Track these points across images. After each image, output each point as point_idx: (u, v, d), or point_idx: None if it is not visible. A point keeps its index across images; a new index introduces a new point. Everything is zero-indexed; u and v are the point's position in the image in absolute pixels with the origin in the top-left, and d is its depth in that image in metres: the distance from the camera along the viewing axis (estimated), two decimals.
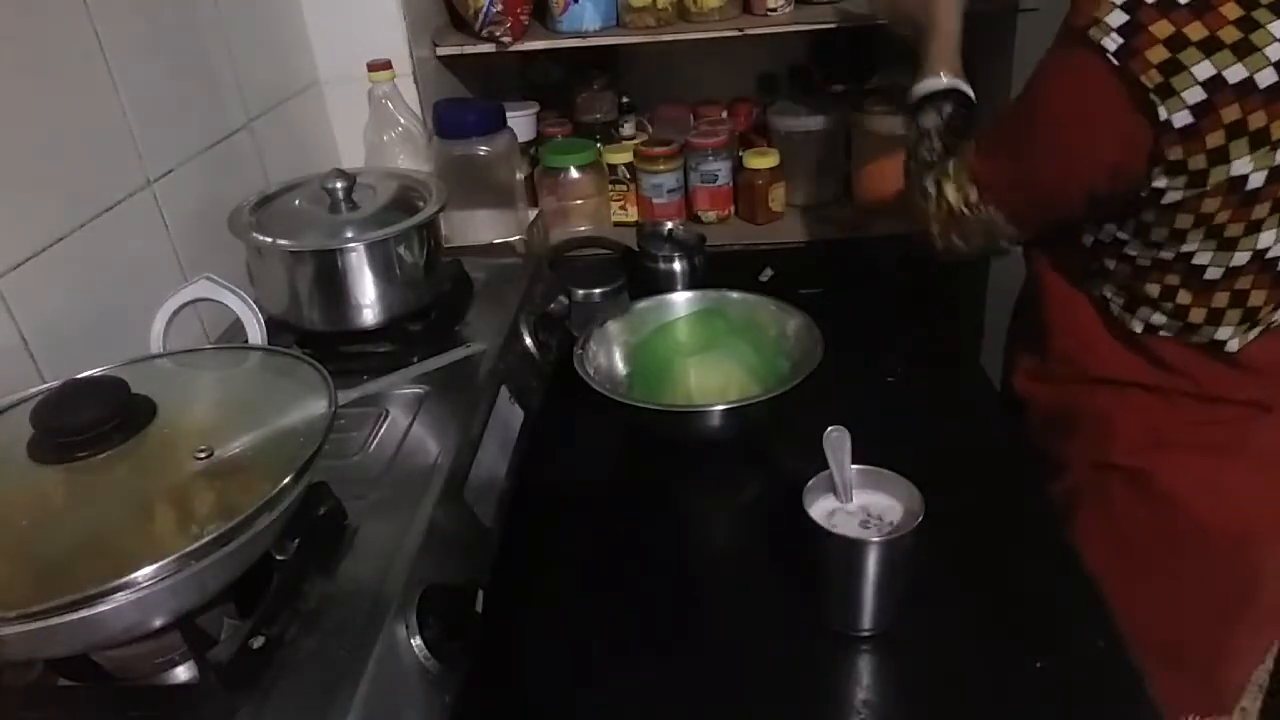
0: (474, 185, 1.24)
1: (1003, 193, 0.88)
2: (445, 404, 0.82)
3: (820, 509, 0.73)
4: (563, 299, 1.05)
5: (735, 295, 1.06)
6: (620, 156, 1.47)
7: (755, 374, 0.99)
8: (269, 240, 0.87)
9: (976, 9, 1.34)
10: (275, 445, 0.59)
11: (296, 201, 0.93)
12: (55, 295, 0.78)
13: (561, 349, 1.01)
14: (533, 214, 1.35)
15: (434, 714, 0.61)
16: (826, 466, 0.73)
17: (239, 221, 0.89)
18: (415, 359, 0.87)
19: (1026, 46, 1.33)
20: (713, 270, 1.20)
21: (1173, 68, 0.73)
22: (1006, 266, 1.16)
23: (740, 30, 1.33)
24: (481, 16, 1.32)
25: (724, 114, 1.58)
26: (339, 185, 0.89)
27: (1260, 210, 0.79)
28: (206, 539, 0.50)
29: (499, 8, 1.31)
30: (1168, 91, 0.74)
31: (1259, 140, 0.74)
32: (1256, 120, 0.74)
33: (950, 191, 0.91)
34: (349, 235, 0.88)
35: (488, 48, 1.35)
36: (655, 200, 1.45)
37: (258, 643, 0.55)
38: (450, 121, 1.23)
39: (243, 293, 0.85)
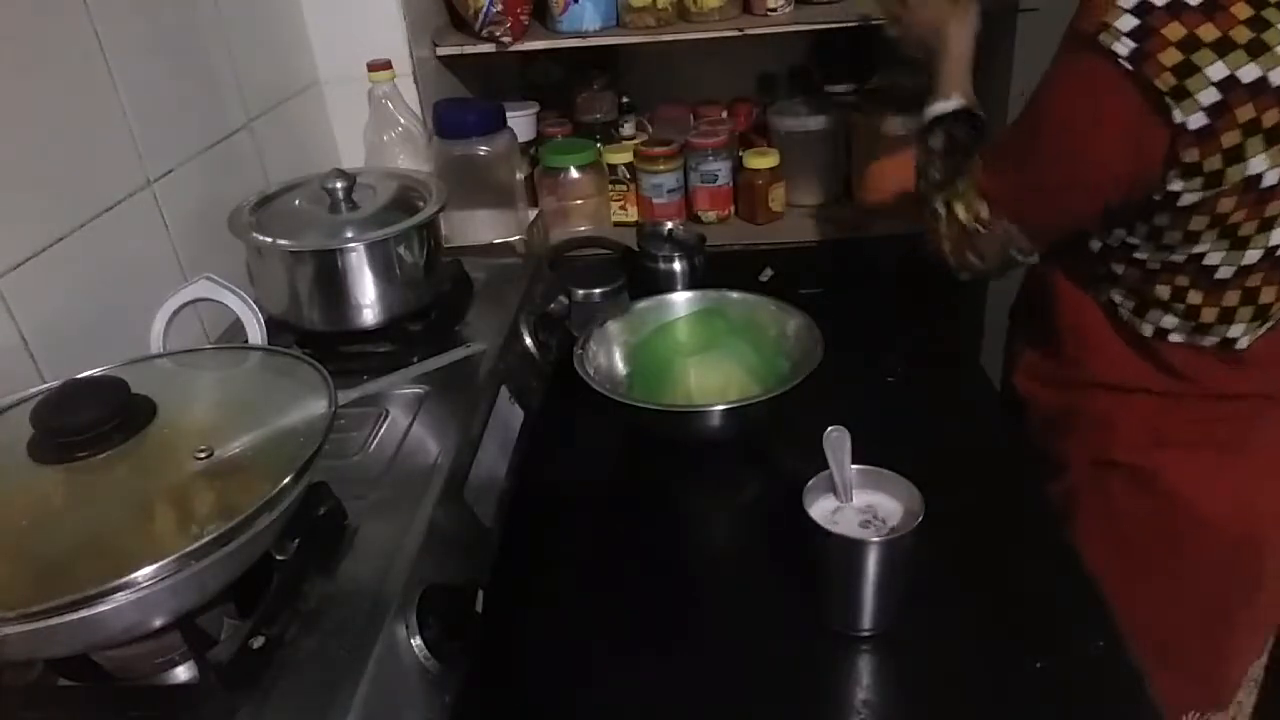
0: (474, 185, 1.24)
1: (1014, 206, 0.88)
2: (445, 404, 0.82)
3: (820, 509, 0.73)
4: (563, 299, 1.05)
5: (735, 295, 1.06)
6: (620, 156, 1.47)
7: (755, 374, 0.99)
8: (269, 240, 0.87)
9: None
10: (275, 445, 0.59)
11: (296, 201, 0.93)
12: (55, 295, 0.78)
13: (561, 349, 1.01)
14: (533, 214, 1.35)
15: (434, 714, 0.61)
16: (826, 466, 0.73)
17: (239, 221, 0.89)
18: (415, 359, 0.87)
19: (1026, 46, 1.33)
20: (713, 270, 1.20)
21: (1186, 70, 0.73)
22: None
23: (740, 30, 1.33)
24: (481, 16, 1.32)
25: (724, 114, 1.58)
26: (339, 185, 0.89)
27: (1273, 207, 0.79)
28: (206, 539, 0.50)
29: (499, 8, 1.31)
30: (1182, 94, 0.73)
31: (1273, 137, 0.74)
32: (1270, 118, 0.74)
33: (960, 210, 0.90)
34: (349, 235, 0.88)
35: (488, 48, 1.35)
36: (655, 200, 1.45)
37: (258, 643, 0.55)
38: (450, 121, 1.23)
39: (243, 293, 0.85)
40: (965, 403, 1.03)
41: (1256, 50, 0.72)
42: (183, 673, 0.58)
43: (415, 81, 1.31)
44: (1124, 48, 0.74)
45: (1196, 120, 0.74)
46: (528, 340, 0.97)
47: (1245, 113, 0.73)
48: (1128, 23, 0.74)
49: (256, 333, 0.85)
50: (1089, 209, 0.86)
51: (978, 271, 0.94)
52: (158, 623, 0.53)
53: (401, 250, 0.89)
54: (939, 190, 0.94)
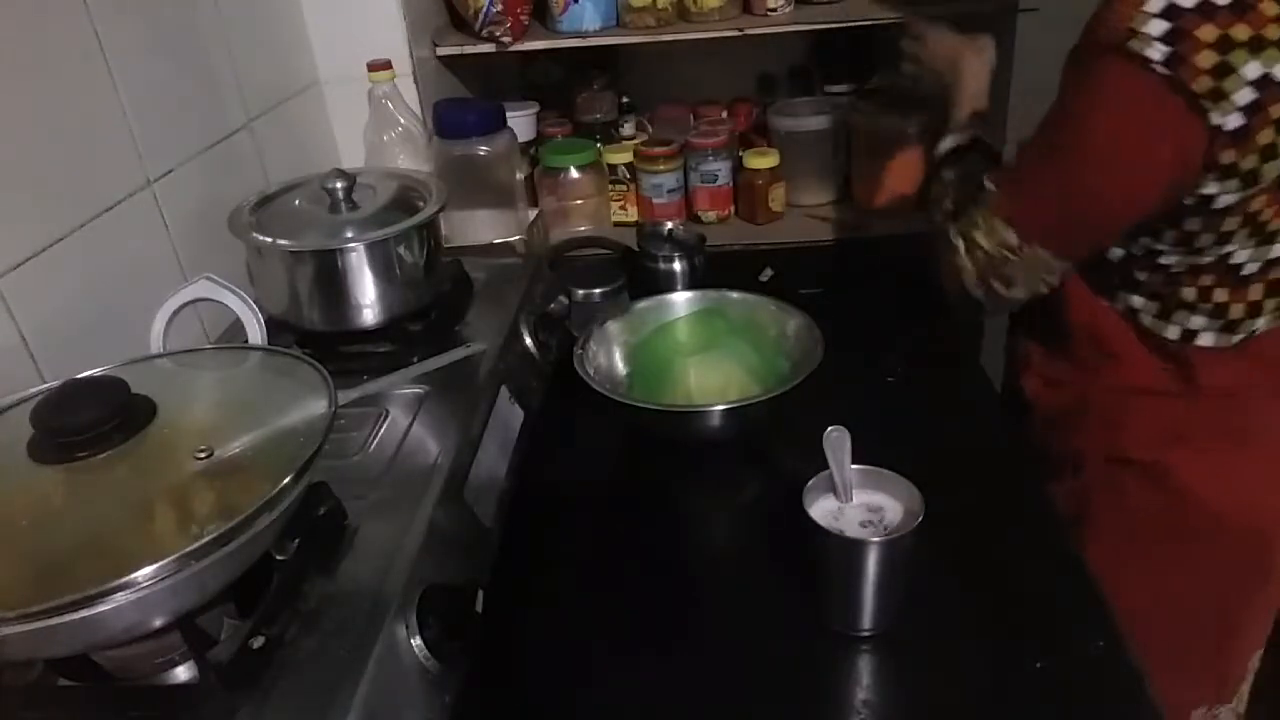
0: (474, 185, 1.24)
1: (1046, 229, 0.85)
2: (445, 404, 0.82)
3: (820, 509, 0.73)
4: (563, 299, 1.05)
5: (735, 295, 1.06)
6: (620, 156, 1.47)
7: (755, 374, 0.99)
8: (269, 240, 0.87)
9: (976, 9, 1.35)
10: (275, 445, 0.59)
11: (296, 201, 0.93)
12: (55, 295, 0.78)
13: (561, 349, 1.01)
14: (533, 214, 1.35)
15: (434, 714, 0.61)
16: (826, 466, 0.73)
17: (239, 221, 0.89)
18: (415, 359, 0.87)
19: (1026, 46, 1.33)
20: (713, 270, 1.20)
21: (1223, 71, 0.72)
22: None
23: (740, 30, 1.33)
24: (481, 16, 1.32)
25: (724, 114, 1.58)
26: (339, 185, 0.89)
27: None
28: (206, 539, 0.50)
29: (499, 8, 1.31)
30: (1219, 96, 0.73)
31: None
32: None
33: (982, 239, 0.88)
34: (349, 235, 0.88)
35: (488, 48, 1.35)
36: (655, 200, 1.45)
37: (258, 643, 0.55)
38: (450, 121, 1.23)
39: (243, 293, 0.85)
40: (965, 403, 1.03)
41: None
42: (183, 673, 0.58)
43: (415, 81, 1.31)
44: (1157, 53, 0.72)
45: (1233, 121, 0.73)
46: (528, 340, 0.97)
47: (1278, 109, 0.73)
48: (1158, 27, 0.73)
49: (256, 333, 0.85)
50: (1127, 221, 0.84)
51: (1001, 300, 0.91)
52: (158, 623, 0.53)
53: (401, 250, 0.89)
54: (953, 221, 0.92)
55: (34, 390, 0.63)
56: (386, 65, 1.24)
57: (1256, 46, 0.72)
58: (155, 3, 0.94)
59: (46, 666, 0.58)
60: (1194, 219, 0.81)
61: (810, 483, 0.73)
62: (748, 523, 0.91)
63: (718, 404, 0.91)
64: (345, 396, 0.73)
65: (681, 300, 1.07)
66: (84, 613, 0.48)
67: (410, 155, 1.28)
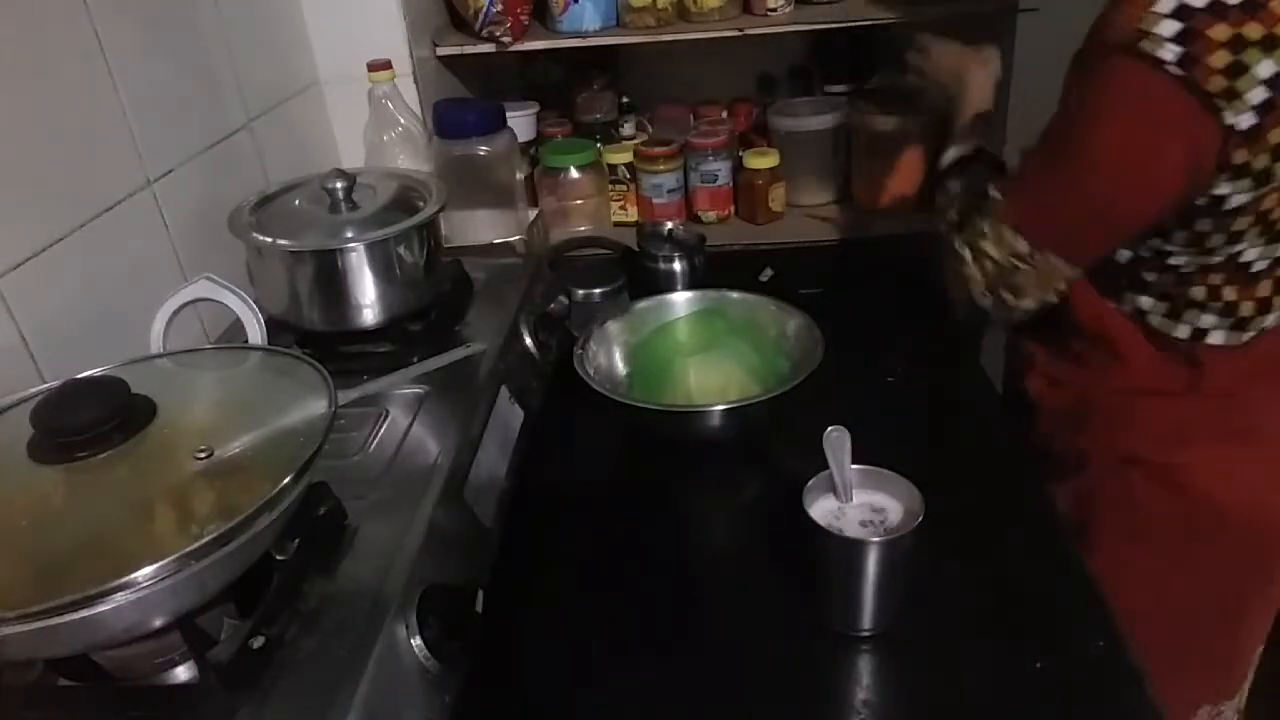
0: (474, 185, 1.24)
1: (1058, 236, 0.85)
2: (445, 404, 0.82)
3: (820, 509, 0.73)
4: (563, 299, 1.05)
5: (735, 295, 1.06)
6: (620, 156, 1.47)
7: (755, 374, 0.99)
8: (269, 240, 0.87)
9: (976, 9, 1.35)
10: (275, 445, 0.59)
11: (296, 201, 0.93)
12: (55, 295, 0.78)
13: (561, 349, 1.01)
14: (533, 214, 1.35)
15: (434, 714, 0.61)
16: (826, 466, 0.73)
17: (239, 221, 0.89)
18: (415, 359, 0.87)
19: (1026, 46, 1.33)
20: (713, 270, 1.20)
21: (1236, 70, 0.72)
22: None
23: (740, 30, 1.33)
24: (481, 16, 1.32)
25: (724, 114, 1.58)
26: (339, 185, 0.89)
27: None
28: (206, 539, 0.50)
29: (499, 8, 1.31)
30: (1231, 95, 0.73)
31: None
32: None
33: (991, 248, 0.87)
34: (349, 235, 0.88)
35: (488, 48, 1.35)
36: (655, 200, 1.45)
37: (258, 643, 0.55)
38: (450, 121, 1.23)
39: (243, 293, 0.85)
40: (965, 403, 1.03)
41: None
42: (183, 673, 0.58)
43: (415, 81, 1.31)
44: (1170, 53, 0.72)
45: (1246, 120, 0.73)
46: (528, 340, 0.97)
47: None
48: (1169, 28, 0.72)
49: (256, 333, 0.85)
50: (1141, 224, 0.83)
51: (1010, 309, 0.90)
52: (158, 623, 0.53)
53: (401, 250, 0.89)
54: (959, 231, 0.92)
55: (34, 390, 0.63)
56: (386, 65, 1.24)
57: (1269, 45, 0.72)
58: (155, 3, 0.94)
59: (46, 666, 0.58)
60: (1205, 220, 0.81)
61: (810, 483, 0.73)
62: (748, 523, 0.91)
63: (718, 404, 0.90)
64: (345, 396, 0.73)
65: (681, 300, 1.07)
66: (84, 613, 0.48)
67: (410, 155, 1.28)
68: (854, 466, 0.73)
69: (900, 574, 0.70)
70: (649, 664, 0.73)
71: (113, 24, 0.86)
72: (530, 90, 1.61)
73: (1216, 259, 0.84)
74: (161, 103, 0.94)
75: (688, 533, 0.90)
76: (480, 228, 1.27)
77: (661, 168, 1.43)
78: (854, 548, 0.69)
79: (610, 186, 1.49)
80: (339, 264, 0.88)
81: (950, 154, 0.99)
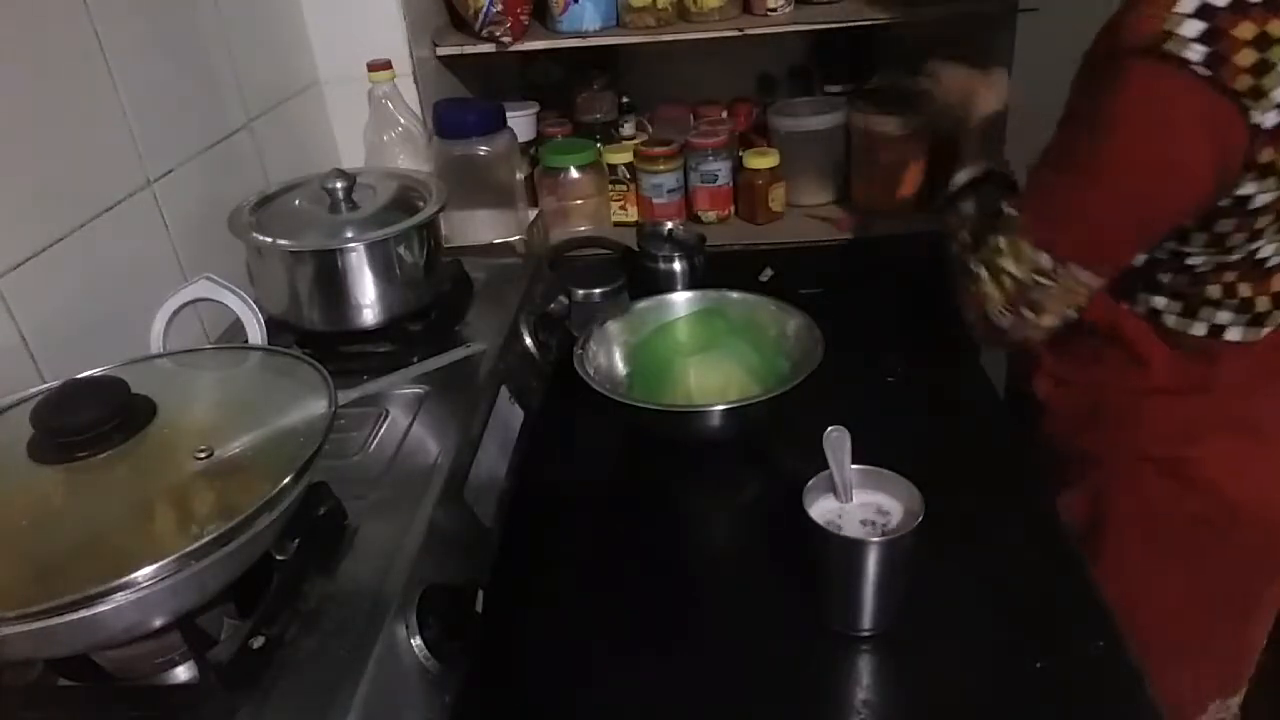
0: (474, 185, 1.24)
1: (1083, 246, 0.83)
2: (445, 404, 0.82)
3: (820, 509, 0.73)
4: (563, 299, 1.05)
5: (735, 295, 1.06)
6: (620, 156, 1.47)
7: (755, 374, 0.99)
8: (269, 240, 0.87)
9: (976, 9, 1.35)
10: (275, 445, 0.59)
11: (296, 201, 0.93)
12: (55, 295, 0.78)
13: (561, 349, 1.01)
14: (533, 214, 1.35)
15: (434, 714, 0.61)
16: (826, 466, 0.73)
17: (239, 221, 0.89)
18: (415, 359, 0.87)
19: (1026, 46, 1.33)
20: (713, 270, 1.20)
21: (1262, 69, 0.71)
22: None
23: (740, 30, 1.33)
24: (481, 16, 1.32)
25: (724, 114, 1.58)
26: (339, 185, 0.89)
27: None
28: (206, 539, 0.50)
29: (499, 8, 1.31)
30: (1258, 94, 0.72)
31: None
32: None
33: (1010, 265, 0.86)
34: (349, 235, 0.88)
35: (488, 48, 1.35)
36: (655, 200, 1.45)
37: (258, 643, 0.55)
38: (450, 121, 1.23)
39: (243, 293, 0.85)
40: (965, 403, 1.03)
41: None
42: (183, 673, 0.58)
43: (415, 81, 1.31)
44: (1196, 53, 0.71)
45: (1271, 119, 0.73)
46: (528, 340, 0.97)
47: None
48: (1193, 28, 0.71)
49: (256, 333, 0.85)
50: (1168, 226, 0.82)
51: (1028, 327, 0.88)
52: (158, 623, 0.53)
53: (401, 250, 0.89)
54: (973, 252, 0.90)
55: (34, 390, 0.63)
56: (386, 65, 1.24)
57: None
58: (155, 3, 0.94)
59: (46, 666, 0.58)
60: (1227, 220, 0.80)
61: (810, 483, 0.73)
62: (748, 523, 0.91)
63: (718, 404, 0.91)
64: (345, 396, 0.73)
65: (681, 300, 1.07)
66: (84, 613, 0.48)
67: (410, 155, 1.28)
68: (854, 466, 0.74)
69: (900, 574, 0.70)
70: (649, 664, 0.73)
71: (113, 24, 0.86)
72: (530, 90, 1.60)
73: (1234, 257, 0.83)
74: (161, 103, 0.94)
75: (688, 533, 0.90)
76: (480, 228, 1.27)
77: (661, 168, 1.43)
78: (854, 548, 0.69)
79: (610, 186, 1.49)
80: (339, 264, 0.88)
81: (961, 176, 0.98)
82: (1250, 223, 0.80)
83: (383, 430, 0.79)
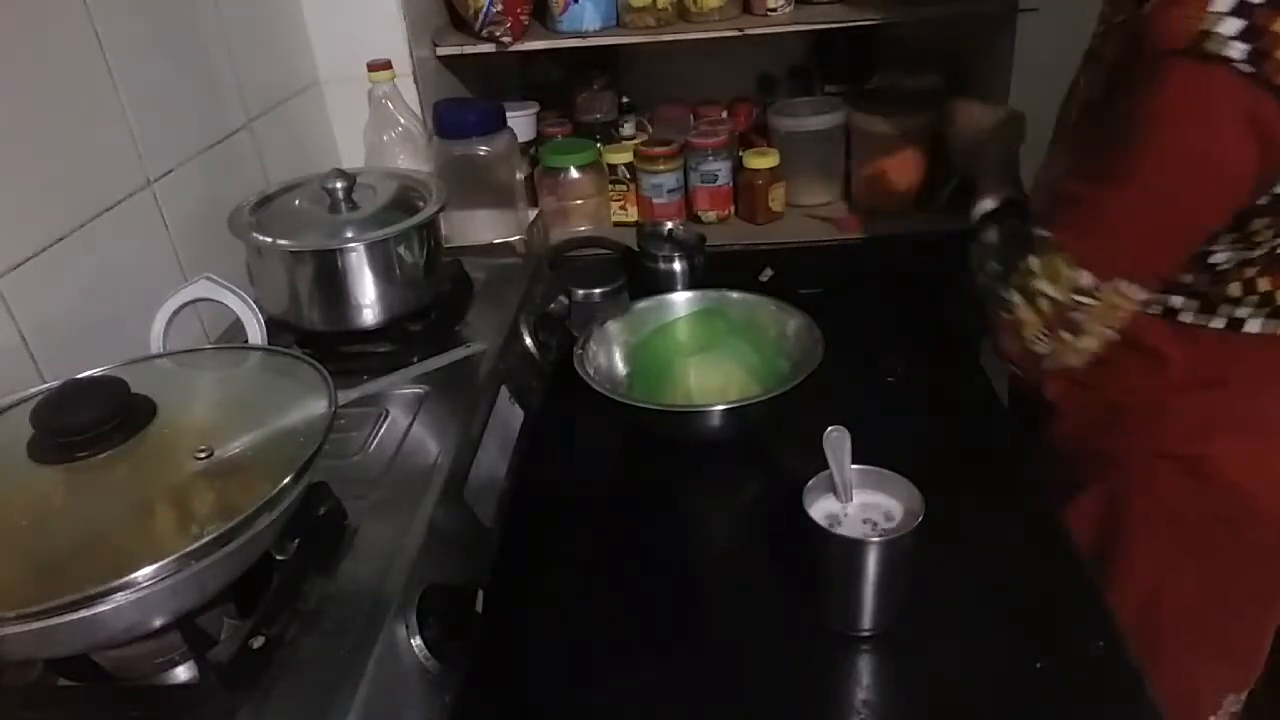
0: (474, 185, 1.25)
1: (1127, 259, 0.81)
2: (445, 404, 0.82)
3: (820, 509, 0.73)
4: (563, 299, 1.05)
5: (735, 295, 1.06)
6: (620, 156, 1.47)
7: (755, 374, 0.99)
8: (269, 240, 0.87)
9: (976, 9, 1.36)
10: (275, 445, 0.59)
11: (296, 201, 0.93)
12: (55, 295, 0.78)
13: (561, 349, 1.01)
14: (533, 214, 1.35)
15: (434, 714, 0.61)
16: (826, 466, 0.73)
17: (239, 221, 0.89)
18: (415, 359, 0.87)
19: (1026, 46, 1.33)
20: (713, 270, 1.20)
21: None
22: None
23: (740, 30, 1.33)
24: (481, 16, 1.32)
25: (724, 114, 1.58)
26: (339, 185, 0.89)
27: None
28: (206, 539, 0.50)
29: (499, 8, 1.31)
30: None
31: None
32: None
33: (1046, 287, 0.83)
34: (349, 235, 0.88)
35: (488, 48, 1.35)
36: (655, 200, 1.45)
37: (258, 643, 0.55)
38: (450, 121, 1.23)
39: (243, 293, 0.85)
40: (965, 403, 1.03)
41: None
42: (183, 673, 0.58)
43: (415, 81, 1.31)
44: (1237, 51, 0.70)
45: None
46: (528, 340, 0.97)
47: None
48: (1232, 26, 0.70)
49: (256, 333, 0.85)
50: (1213, 227, 0.81)
51: (1067, 350, 0.86)
52: (158, 623, 0.53)
53: (401, 250, 0.90)
54: (1003, 280, 0.88)
55: (34, 390, 0.63)
56: (386, 65, 1.24)
57: None
58: (155, 3, 0.94)
59: (46, 666, 0.58)
60: (1261, 218, 0.79)
61: (810, 483, 0.73)
62: (748, 523, 0.91)
63: (718, 404, 0.90)
64: (345, 396, 0.73)
65: (681, 300, 1.07)
66: (84, 613, 0.48)
67: (410, 155, 1.28)
68: (854, 466, 0.73)
69: (900, 574, 0.70)
70: (649, 664, 0.73)
71: (113, 24, 0.86)
72: (530, 90, 1.61)
73: (1258, 253, 0.82)
74: (161, 102, 0.94)
75: (688, 533, 0.90)
76: (480, 228, 1.27)
77: (661, 168, 1.43)
78: (854, 548, 0.69)
79: (610, 186, 1.49)
80: (339, 264, 0.88)
81: (982, 206, 0.97)
82: None
83: (383, 430, 0.79)
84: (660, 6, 1.34)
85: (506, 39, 1.33)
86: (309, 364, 0.65)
